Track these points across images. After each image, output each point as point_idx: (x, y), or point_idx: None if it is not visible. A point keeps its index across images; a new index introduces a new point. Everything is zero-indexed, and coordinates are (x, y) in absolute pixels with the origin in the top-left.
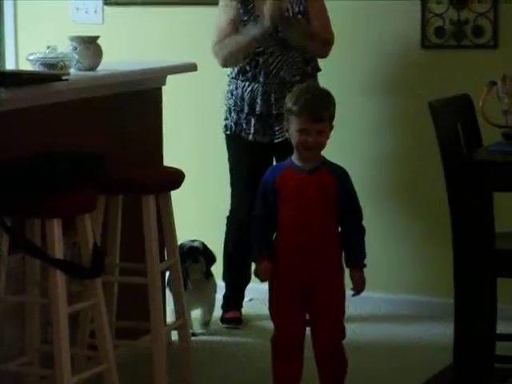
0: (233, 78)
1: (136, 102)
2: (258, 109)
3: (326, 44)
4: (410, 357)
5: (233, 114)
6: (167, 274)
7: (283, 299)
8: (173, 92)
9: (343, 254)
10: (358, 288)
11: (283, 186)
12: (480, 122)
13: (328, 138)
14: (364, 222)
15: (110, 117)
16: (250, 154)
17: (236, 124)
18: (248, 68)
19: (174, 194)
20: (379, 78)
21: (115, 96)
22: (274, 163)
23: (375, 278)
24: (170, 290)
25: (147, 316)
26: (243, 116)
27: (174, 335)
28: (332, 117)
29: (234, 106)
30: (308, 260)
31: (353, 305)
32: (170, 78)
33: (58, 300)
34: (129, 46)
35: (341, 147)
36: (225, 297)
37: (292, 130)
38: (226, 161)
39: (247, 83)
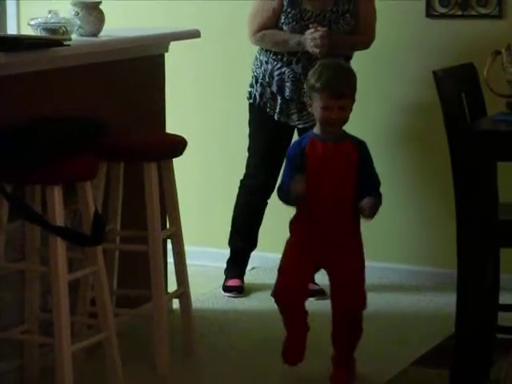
0: (264, 50)
1: (138, 69)
2: (287, 93)
3: (366, 46)
4: (413, 327)
5: (259, 86)
6: (168, 241)
7: (296, 258)
8: (176, 59)
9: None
10: (367, 214)
11: (312, 154)
12: (484, 91)
13: (351, 111)
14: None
15: (112, 83)
16: (272, 129)
17: (261, 96)
18: (284, 53)
19: (176, 160)
20: (384, 47)
21: (117, 62)
22: None
23: (378, 247)
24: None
25: (148, 284)
26: (269, 91)
27: (176, 304)
28: (354, 91)
29: (262, 78)
30: (330, 225)
31: None
32: (174, 45)
33: (58, 268)
34: (132, 12)
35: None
36: (228, 263)
37: (315, 105)
38: (229, 128)
39: (280, 64)
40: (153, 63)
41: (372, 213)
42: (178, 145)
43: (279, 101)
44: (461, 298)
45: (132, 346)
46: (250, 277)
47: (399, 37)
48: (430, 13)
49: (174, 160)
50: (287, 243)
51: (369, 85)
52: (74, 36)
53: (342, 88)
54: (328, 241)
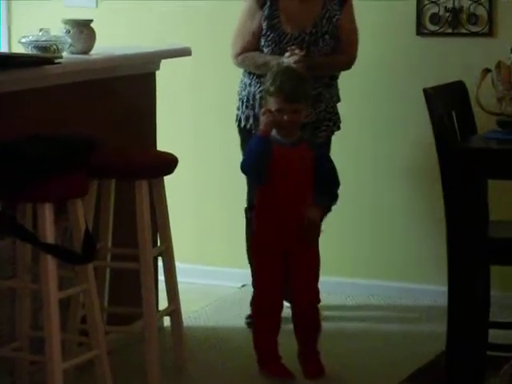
0: (248, 72)
1: (129, 87)
2: None
3: (348, 66)
4: (403, 344)
5: (245, 108)
6: (160, 259)
7: (265, 264)
8: (168, 77)
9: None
10: (309, 224)
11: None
12: (474, 109)
13: (305, 115)
14: (357, 210)
15: (103, 101)
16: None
17: (247, 119)
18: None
19: (169, 178)
20: (374, 65)
21: (108, 80)
22: None
23: (369, 265)
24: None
25: (139, 302)
26: (254, 114)
27: (167, 321)
28: (307, 96)
29: (247, 101)
30: (287, 225)
31: (345, 292)
32: (165, 63)
33: (49, 285)
34: (122, 30)
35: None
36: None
37: (270, 108)
38: (222, 145)
39: (262, 86)
40: (144, 81)
41: (313, 227)
42: (168, 162)
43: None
44: (451, 315)
45: (123, 364)
46: (240, 294)
47: (389, 55)
48: (420, 31)
49: (167, 177)
50: (253, 241)
51: (358, 102)
52: (65, 54)
53: (294, 92)
54: (288, 234)
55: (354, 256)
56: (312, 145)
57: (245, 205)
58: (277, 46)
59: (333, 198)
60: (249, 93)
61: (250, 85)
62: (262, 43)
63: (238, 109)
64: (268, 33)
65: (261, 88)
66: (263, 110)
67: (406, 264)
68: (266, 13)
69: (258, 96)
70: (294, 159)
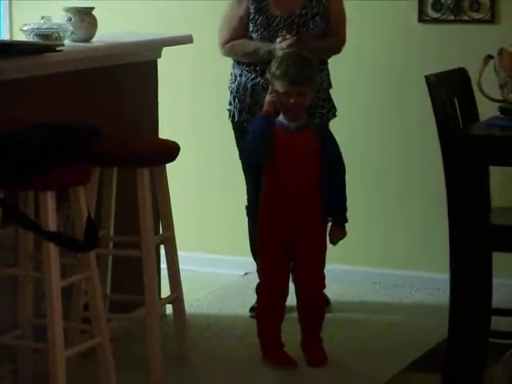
0: (237, 62)
1: (131, 74)
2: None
3: (338, 49)
4: (405, 332)
5: (236, 101)
6: (162, 247)
7: (271, 251)
8: (169, 65)
9: (325, 208)
10: (333, 243)
11: (273, 142)
12: (477, 96)
13: (310, 98)
14: (360, 198)
15: (105, 89)
16: None
17: (240, 113)
18: (257, 63)
19: (171, 166)
20: (376, 52)
21: (110, 68)
22: None
23: (371, 252)
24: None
25: (141, 289)
26: (246, 106)
27: (169, 309)
28: (312, 79)
29: (237, 92)
30: (292, 211)
31: (347, 278)
32: (167, 51)
33: (51, 273)
34: (124, 18)
35: (335, 121)
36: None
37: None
38: (221, 134)
39: (253, 75)
40: (146, 69)
41: (338, 240)
42: (170, 150)
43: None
44: (454, 302)
45: (125, 352)
46: (242, 282)
47: (391, 42)
48: (422, 18)
49: (168, 165)
50: (259, 221)
51: (360, 89)
52: (66, 42)
53: (300, 75)
54: (294, 219)
55: (357, 243)
56: (317, 129)
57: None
58: (266, 29)
59: (345, 197)
60: (239, 84)
61: (240, 75)
62: (251, 28)
63: (230, 103)
64: (256, 16)
65: (252, 77)
66: (270, 89)
67: (409, 252)
68: (257, 4)
69: (249, 86)
70: (300, 144)
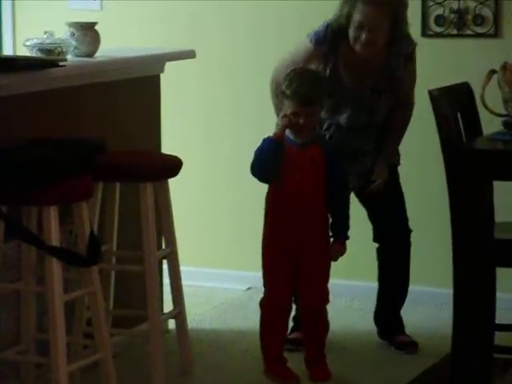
0: None
1: (134, 90)
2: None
3: (409, 120)
4: None
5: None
6: (165, 261)
7: (275, 265)
8: (174, 79)
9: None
10: (334, 259)
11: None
12: (480, 110)
13: (319, 118)
14: (362, 213)
15: (108, 104)
16: None
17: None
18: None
19: (174, 180)
20: None
21: (113, 83)
22: None
23: (374, 267)
24: None
25: (144, 304)
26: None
27: (172, 324)
28: (322, 98)
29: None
30: (297, 225)
31: (352, 293)
32: (170, 65)
33: (54, 288)
34: (127, 33)
35: None
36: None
37: (285, 110)
38: (228, 149)
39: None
40: (149, 84)
41: (338, 256)
42: (173, 165)
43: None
44: (457, 317)
45: (128, 367)
46: (245, 297)
47: None
48: (425, 32)
49: (172, 180)
50: (264, 235)
51: None
52: (69, 57)
53: (309, 96)
54: (299, 234)
55: (360, 258)
56: (324, 144)
57: (250, 207)
58: (333, 98)
59: (347, 215)
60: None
61: None
62: None
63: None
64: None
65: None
66: (282, 114)
67: (412, 266)
68: (327, 72)
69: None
70: (305, 159)
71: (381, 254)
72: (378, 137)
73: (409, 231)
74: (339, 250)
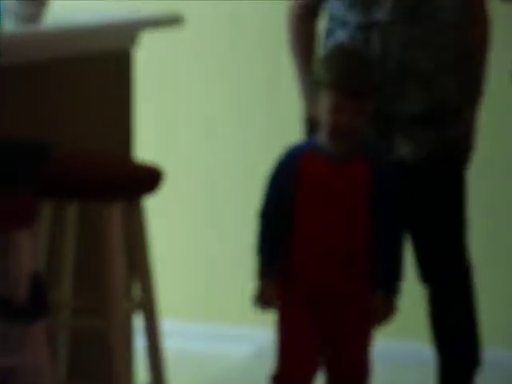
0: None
1: (95, 71)
2: None
3: (489, 43)
4: None
5: None
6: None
7: (296, 321)
8: (153, 58)
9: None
10: (377, 316)
11: (308, 173)
12: None
13: (369, 116)
14: None
15: (58, 90)
16: None
17: None
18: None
19: (152, 201)
20: None
21: (65, 61)
22: None
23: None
24: None
25: (109, 375)
26: None
27: None
28: (374, 89)
29: None
30: (329, 268)
31: (405, 358)
32: (146, 38)
33: None
34: None
35: None
36: None
37: (321, 106)
38: (230, 157)
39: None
40: (115, 62)
41: (385, 316)
42: (150, 177)
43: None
44: None
45: None
46: (250, 365)
47: None
48: None
49: (150, 199)
50: (283, 288)
51: None
52: (4, 23)
53: (358, 84)
54: (331, 282)
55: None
56: (374, 161)
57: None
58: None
59: (396, 259)
60: None
61: None
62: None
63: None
64: None
65: None
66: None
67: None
68: None
69: None
70: (342, 180)
71: (431, 301)
72: (442, 52)
73: (467, 265)
74: (382, 308)
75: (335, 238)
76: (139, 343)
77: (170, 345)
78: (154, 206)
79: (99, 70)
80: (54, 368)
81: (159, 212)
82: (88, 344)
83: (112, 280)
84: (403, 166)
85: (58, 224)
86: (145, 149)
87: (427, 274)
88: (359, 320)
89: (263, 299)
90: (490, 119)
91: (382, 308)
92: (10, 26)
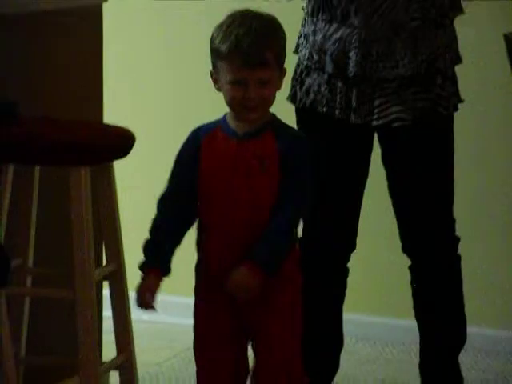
0: (309, 14)
1: (60, 26)
2: (350, 69)
3: None
4: None
5: (304, 76)
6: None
7: (211, 323)
8: (120, 11)
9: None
10: (228, 287)
11: (208, 155)
12: None
13: (278, 88)
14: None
15: (20, 47)
16: (333, 141)
17: (308, 92)
18: (336, 2)
19: (121, 163)
20: None
21: (28, 16)
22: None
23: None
24: None
25: (74, 349)
26: (324, 79)
27: (115, 378)
28: (281, 57)
29: (308, 60)
30: (234, 260)
31: (377, 332)
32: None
33: None
34: None
35: None
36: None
37: (223, 80)
38: (204, 114)
39: (333, 26)
40: (84, 16)
41: (241, 288)
42: (121, 140)
43: (340, 88)
44: None
45: None
46: None
47: None
48: None
49: (119, 163)
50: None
51: None
52: None
53: (261, 52)
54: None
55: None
56: (281, 136)
57: None
58: None
59: (280, 238)
60: (313, 44)
61: (313, 33)
62: None
63: (295, 79)
64: None
65: (336, 34)
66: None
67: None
68: None
69: (329, 42)
70: (249, 160)
71: (414, 276)
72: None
73: (455, 239)
74: (245, 277)
75: (239, 222)
76: (107, 314)
77: (139, 317)
78: (123, 171)
79: (66, 25)
80: (14, 338)
81: (129, 178)
82: (51, 316)
83: (79, 248)
84: (391, 130)
85: (21, 189)
86: (115, 111)
87: (412, 246)
88: (281, 318)
89: (140, 291)
90: (490, 119)
91: (245, 279)
92: None
